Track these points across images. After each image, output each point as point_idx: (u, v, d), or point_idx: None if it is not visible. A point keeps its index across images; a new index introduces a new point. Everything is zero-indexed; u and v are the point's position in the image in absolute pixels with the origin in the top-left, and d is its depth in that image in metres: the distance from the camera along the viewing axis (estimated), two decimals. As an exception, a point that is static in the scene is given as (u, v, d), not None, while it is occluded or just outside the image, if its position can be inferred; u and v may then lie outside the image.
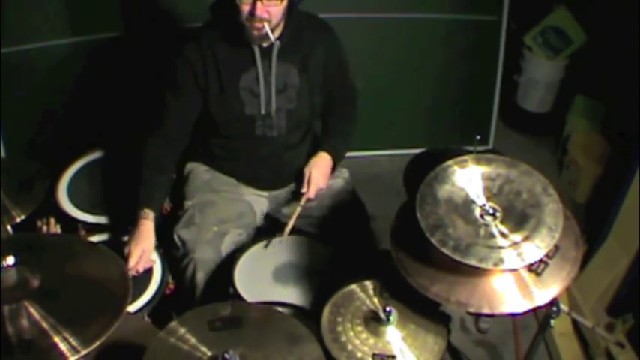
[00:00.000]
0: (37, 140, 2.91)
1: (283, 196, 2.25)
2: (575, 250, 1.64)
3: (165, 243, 2.05)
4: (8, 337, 1.28)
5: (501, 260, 1.52)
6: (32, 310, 1.32)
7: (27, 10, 2.71)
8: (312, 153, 2.20)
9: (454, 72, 3.31)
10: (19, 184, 2.01)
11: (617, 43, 3.10)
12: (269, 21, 1.87)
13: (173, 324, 1.48)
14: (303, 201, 2.11)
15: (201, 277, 2.00)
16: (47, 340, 1.29)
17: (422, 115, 3.39)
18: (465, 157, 1.69)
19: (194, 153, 2.23)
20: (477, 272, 1.56)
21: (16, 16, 2.69)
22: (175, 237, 2.06)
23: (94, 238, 2.08)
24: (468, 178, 1.67)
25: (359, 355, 1.59)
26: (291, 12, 1.95)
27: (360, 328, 1.65)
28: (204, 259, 2.01)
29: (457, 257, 1.52)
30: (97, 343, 1.30)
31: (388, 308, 1.63)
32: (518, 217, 1.59)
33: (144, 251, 1.91)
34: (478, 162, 1.69)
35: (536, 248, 1.53)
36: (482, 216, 1.60)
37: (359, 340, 1.63)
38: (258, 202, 2.22)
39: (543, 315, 1.68)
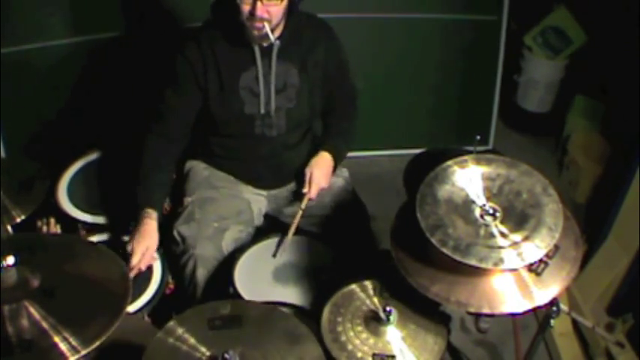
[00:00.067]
0: (37, 140, 2.91)
1: (283, 195, 2.25)
2: (575, 250, 1.64)
3: (164, 242, 2.05)
4: (8, 337, 1.28)
5: (501, 260, 1.52)
6: (32, 310, 1.32)
7: (27, 10, 2.71)
8: (312, 152, 2.20)
9: (454, 72, 3.31)
10: (19, 184, 2.01)
11: (617, 43, 3.10)
12: (269, 21, 1.87)
13: (172, 323, 1.48)
14: (304, 202, 2.10)
15: (201, 273, 2.00)
16: (47, 340, 1.29)
17: (422, 115, 3.39)
18: (465, 157, 1.69)
19: (194, 151, 2.23)
20: (477, 272, 1.56)
21: (16, 16, 2.69)
22: (175, 233, 2.06)
23: (94, 238, 2.08)
24: (468, 178, 1.67)
25: (359, 355, 1.59)
26: (291, 12, 1.96)
27: (360, 328, 1.65)
28: (204, 255, 2.01)
29: (457, 257, 1.52)
30: (97, 343, 1.29)
31: (388, 308, 1.63)
32: (518, 217, 1.59)
33: (147, 249, 1.90)
34: (478, 162, 1.69)
35: (536, 248, 1.53)
36: (482, 216, 1.60)
37: (359, 340, 1.63)
38: (257, 200, 2.22)
39: (543, 315, 1.68)
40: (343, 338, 1.63)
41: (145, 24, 2.88)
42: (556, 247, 1.60)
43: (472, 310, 1.58)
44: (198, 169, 2.22)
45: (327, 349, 1.58)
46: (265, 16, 1.86)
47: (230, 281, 1.93)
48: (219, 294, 1.95)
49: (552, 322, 1.66)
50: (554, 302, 1.61)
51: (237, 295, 1.89)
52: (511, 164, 1.68)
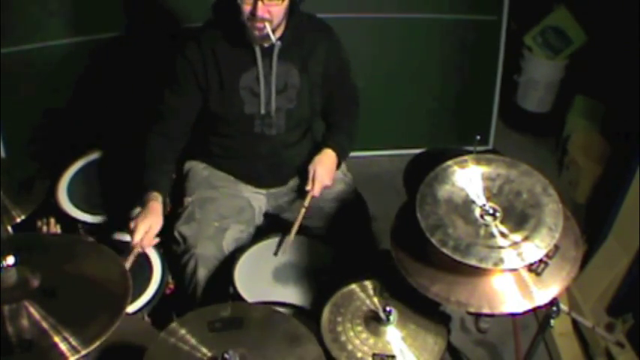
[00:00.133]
0: (37, 140, 2.91)
1: (283, 194, 2.25)
2: (575, 250, 1.64)
3: (165, 242, 2.05)
4: (8, 337, 1.28)
5: (501, 260, 1.52)
6: (32, 310, 1.32)
7: (27, 10, 2.71)
8: (311, 151, 2.20)
9: (454, 72, 3.31)
10: (19, 184, 2.01)
11: (617, 43, 3.10)
12: (270, 21, 1.87)
13: (173, 325, 1.48)
14: (307, 200, 2.09)
15: (202, 273, 2.00)
16: (47, 340, 1.29)
17: (422, 115, 3.39)
18: (465, 157, 1.69)
19: (192, 151, 2.23)
20: (477, 272, 1.56)
21: (16, 16, 2.69)
22: (176, 233, 2.06)
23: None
24: (468, 178, 1.67)
25: (359, 355, 1.59)
26: (292, 12, 1.95)
27: (360, 328, 1.65)
28: (205, 254, 2.01)
29: (457, 257, 1.52)
30: (97, 343, 1.29)
31: (388, 308, 1.63)
32: (518, 217, 1.59)
33: (150, 227, 1.87)
34: (478, 162, 1.69)
35: (536, 248, 1.53)
36: (482, 216, 1.60)
37: (359, 340, 1.63)
38: (257, 199, 2.22)
39: (543, 315, 1.68)
40: (343, 338, 1.63)
41: (145, 24, 2.88)
42: (556, 247, 1.60)
43: (472, 310, 1.58)
44: (198, 169, 2.22)
45: (327, 349, 1.58)
46: (266, 16, 1.86)
47: (230, 281, 1.93)
48: (220, 294, 1.95)
49: (552, 322, 1.66)
50: (554, 302, 1.61)
51: (237, 295, 1.89)
52: (511, 164, 1.68)
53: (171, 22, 2.85)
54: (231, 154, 2.18)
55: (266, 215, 2.28)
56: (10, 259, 1.36)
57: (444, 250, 1.53)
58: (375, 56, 3.15)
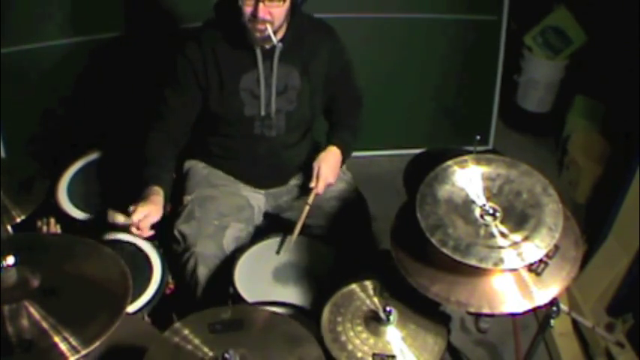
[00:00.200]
0: (37, 140, 2.91)
1: (282, 194, 2.25)
2: (575, 250, 1.64)
3: (165, 241, 2.05)
4: (8, 337, 1.28)
5: (501, 260, 1.52)
6: (32, 310, 1.32)
7: (27, 10, 2.71)
8: (311, 152, 2.20)
9: (454, 72, 3.31)
10: (19, 184, 2.01)
11: (617, 43, 3.10)
12: (271, 23, 1.87)
13: (174, 326, 1.48)
14: (311, 198, 2.07)
15: (202, 271, 2.00)
16: (47, 340, 1.29)
17: (422, 115, 3.39)
18: (465, 157, 1.69)
19: (192, 151, 2.23)
20: (477, 272, 1.56)
21: (16, 16, 2.69)
22: (176, 232, 2.06)
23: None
24: (468, 178, 1.67)
25: (359, 355, 1.59)
26: (293, 14, 1.95)
27: (360, 328, 1.65)
28: (205, 253, 2.01)
29: (457, 257, 1.52)
30: (97, 343, 1.29)
31: (388, 308, 1.63)
32: (518, 217, 1.59)
33: (149, 213, 1.84)
34: (478, 162, 1.69)
35: (536, 248, 1.53)
36: (482, 216, 1.60)
37: (359, 340, 1.63)
38: (256, 198, 2.22)
39: (543, 315, 1.68)
40: (343, 338, 1.63)
41: (145, 24, 2.88)
42: (556, 247, 1.60)
43: (472, 310, 1.58)
44: (197, 168, 2.23)
45: (327, 349, 1.58)
46: (267, 17, 1.85)
47: (230, 281, 1.93)
48: (220, 294, 1.95)
49: (552, 322, 1.66)
50: (554, 302, 1.61)
51: (237, 295, 1.89)
52: (511, 164, 1.68)
53: (171, 22, 2.85)
54: (230, 154, 2.18)
55: (266, 215, 2.27)
56: (10, 259, 1.36)
57: (444, 250, 1.53)
58: (375, 56, 3.15)
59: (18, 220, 1.93)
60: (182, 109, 2.05)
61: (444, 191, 1.65)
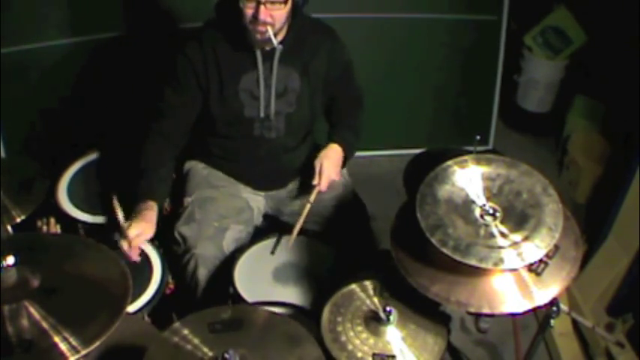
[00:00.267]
0: (37, 140, 2.91)
1: (282, 196, 2.25)
2: (575, 250, 1.64)
3: (165, 242, 2.05)
4: (8, 337, 1.28)
5: (501, 260, 1.52)
6: (32, 310, 1.32)
7: (27, 10, 2.71)
8: (311, 155, 2.19)
9: (454, 72, 3.31)
10: (19, 184, 2.01)
11: (617, 43, 3.10)
12: (272, 25, 1.86)
13: (174, 326, 1.48)
14: (313, 196, 2.05)
15: (202, 273, 2.00)
16: (47, 340, 1.29)
17: (422, 115, 3.39)
18: (465, 157, 1.69)
19: (192, 152, 2.23)
20: (477, 272, 1.56)
21: (16, 16, 2.69)
22: (176, 234, 2.06)
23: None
24: (468, 178, 1.67)
25: (359, 355, 1.59)
26: (294, 15, 1.95)
27: (360, 328, 1.65)
28: (205, 255, 2.01)
29: (457, 257, 1.52)
30: (97, 343, 1.29)
31: (388, 308, 1.63)
32: (518, 217, 1.59)
33: (143, 232, 1.85)
34: (478, 162, 1.69)
35: (536, 248, 1.53)
36: (482, 216, 1.60)
37: (359, 340, 1.63)
38: (256, 200, 2.22)
39: (543, 315, 1.68)
40: (343, 338, 1.63)
41: (144, 24, 2.88)
42: (556, 247, 1.60)
43: (472, 310, 1.58)
44: (197, 168, 2.22)
45: (327, 349, 1.58)
46: (268, 20, 1.84)
47: (230, 281, 1.93)
48: (220, 294, 1.95)
49: (552, 322, 1.66)
50: (554, 302, 1.61)
51: (237, 295, 1.89)
52: (511, 164, 1.68)
53: (170, 22, 2.85)
54: (230, 155, 2.18)
55: (265, 216, 2.27)
56: (10, 259, 1.36)
57: (444, 250, 1.53)
58: (375, 56, 3.15)
59: (18, 220, 1.93)
60: (182, 109, 2.05)
61: (444, 191, 1.65)
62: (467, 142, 2.05)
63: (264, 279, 1.97)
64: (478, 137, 1.95)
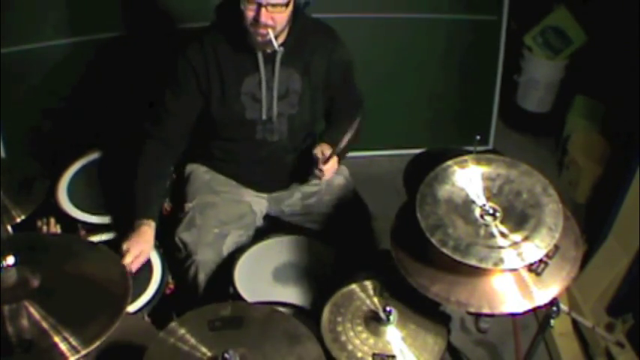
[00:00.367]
0: (37, 140, 2.91)
1: (284, 197, 2.25)
2: (575, 250, 1.64)
3: (166, 244, 2.05)
4: (8, 337, 1.28)
5: (501, 260, 1.52)
6: (32, 310, 1.32)
7: (27, 10, 2.71)
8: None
9: (454, 72, 3.31)
10: (19, 184, 2.01)
11: (617, 43, 3.10)
12: (273, 27, 1.85)
13: (173, 324, 1.48)
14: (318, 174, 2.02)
15: (202, 278, 2.00)
16: (47, 340, 1.29)
17: (422, 115, 3.39)
18: (465, 157, 1.69)
19: (194, 154, 2.23)
20: (477, 272, 1.56)
21: (16, 16, 2.69)
22: (177, 240, 2.05)
23: (94, 238, 2.08)
24: (468, 178, 1.67)
25: (359, 355, 1.59)
26: (295, 17, 1.94)
27: (360, 328, 1.65)
28: (205, 261, 2.01)
29: (457, 257, 1.52)
30: (97, 343, 1.29)
31: (388, 308, 1.63)
32: (518, 217, 1.59)
33: (142, 252, 1.89)
34: (478, 162, 1.69)
35: (536, 248, 1.53)
36: (482, 216, 1.60)
37: (359, 340, 1.63)
38: (258, 202, 2.22)
39: (543, 315, 1.68)
40: (343, 338, 1.63)
41: (144, 24, 2.87)
42: (556, 247, 1.60)
43: (472, 310, 1.58)
44: (199, 172, 2.21)
45: (327, 349, 1.58)
46: (269, 22, 1.84)
47: (230, 281, 1.93)
48: (220, 294, 1.95)
49: (552, 322, 1.66)
50: (554, 302, 1.61)
51: (237, 295, 1.89)
52: (511, 164, 1.68)
53: (170, 22, 2.85)
54: (232, 158, 2.17)
55: (267, 217, 2.27)
56: (10, 259, 1.36)
57: (444, 250, 1.53)
58: (375, 56, 3.15)
59: (18, 220, 1.92)
60: (181, 112, 2.04)
61: (444, 191, 1.65)
62: (467, 142, 2.05)
63: (264, 279, 1.97)
64: (478, 137, 1.94)
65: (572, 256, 1.63)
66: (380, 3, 3.10)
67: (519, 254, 1.53)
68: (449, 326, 1.73)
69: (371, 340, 1.63)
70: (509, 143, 3.49)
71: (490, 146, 3.46)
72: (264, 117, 2.04)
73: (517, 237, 1.56)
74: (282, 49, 1.95)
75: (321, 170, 2.02)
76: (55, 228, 2.08)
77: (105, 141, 2.45)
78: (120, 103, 2.90)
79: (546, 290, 1.57)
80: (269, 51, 1.97)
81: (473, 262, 1.51)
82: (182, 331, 1.46)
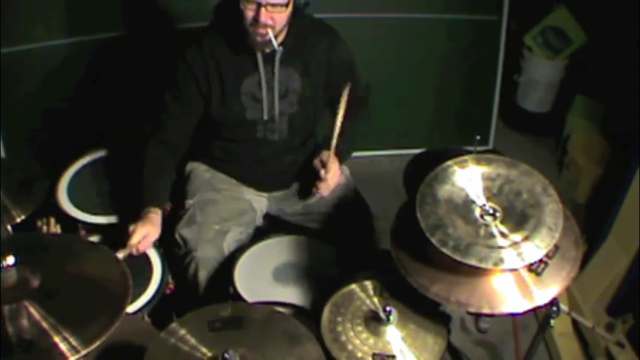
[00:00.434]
0: (37, 140, 2.91)
1: (285, 197, 2.25)
2: (575, 250, 1.64)
3: (165, 243, 2.05)
4: (8, 337, 1.28)
5: (501, 260, 1.52)
6: (32, 310, 1.32)
7: (27, 10, 2.70)
8: (314, 155, 2.18)
9: (454, 72, 3.31)
10: (19, 184, 2.01)
11: (617, 43, 3.10)
12: (273, 27, 1.85)
13: (173, 325, 1.48)
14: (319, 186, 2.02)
15: (203, 275, 2.00)
16: (47, 340, 1.29)
17: (422, 115, 3.39)
18: (465, 157, 1.69)
19: (194, 153, 2.23)
20: (477, 272, 1.56)
21: (16, 16, 2.69)
22: (177, 236, 2.06)
23: (94, 238, 2.08)
24: (468, 178, 1.66)
25: (359, 355, 1.59)
26: (295, 17, 1.94)
27: (360, 328, 1.65)
28: (205, 257, 2.01)
29: (457, 257, 1.52)
30: (97, 343, 1.29)
31: (388, 308, 1.63)
32: (518, 217, 1.59)
33: (148, 234, 1.89)
34: (478, 162, 1.69)
35: (536, 248, 1.53)
36: (482, 216, 1.60)
37: (359, 340, 1.63)
38: (259, 201, 2.22)
39: (543, 315, 1.68)
40: (343, 338, 1.63)
41: (144, 24, 2.87)
42: (556, 247, 1.60)
43: (472, 310, 1.58)
44: (199, 170, 2.22)
45: (327, 349, 1.58)
46: (269, 22, 1.84)
47: (230, 281, 1.93)
48: (220, 294, 1.95)
49: (552, 322, 1.66)
50: (554, 302, 1.61)
51: (237, 295, 1.89)
52: (511, 164, 1.68)
53: (170, 22, 2.85)
54: (233, 157, 2.17)
55: (267, 216, 2.27)
56: (10, 259, 1.36)
57: (444, 250, 1.53)
58: (375, 56, 3.15)
59: (18, 220, 1.92)
60: (182, 115, 2.04)
61: (444, 191, 1.64)
62: (467, 142, 2.05)
63: (264, 279, 1.97)
64: (478, 137, 1.94)
65: (572, 256, 1.63)
66: (380, 3, 3.10)
67: (519, 254, 1.52)
68: (449, 326, 1.73)
69: (371, 340, 1.62)
70: (509, 143, 3.49)
71: (490, 146, 3.46)
72: (265, 117, 2.04)
73: (517, 237, 1.56)
74: (281, 48, 1.95)
75: (324, 181, 2.01)
76: (55, 228, 2.08)
77: (105, 141, 2.45)
78: (120, 103, 2.90)
79: (546, 290, 1.57)
80: (268, 51, 1.96)
81: (473, 262, 1.51)
82: (182, 331, 1.46)
